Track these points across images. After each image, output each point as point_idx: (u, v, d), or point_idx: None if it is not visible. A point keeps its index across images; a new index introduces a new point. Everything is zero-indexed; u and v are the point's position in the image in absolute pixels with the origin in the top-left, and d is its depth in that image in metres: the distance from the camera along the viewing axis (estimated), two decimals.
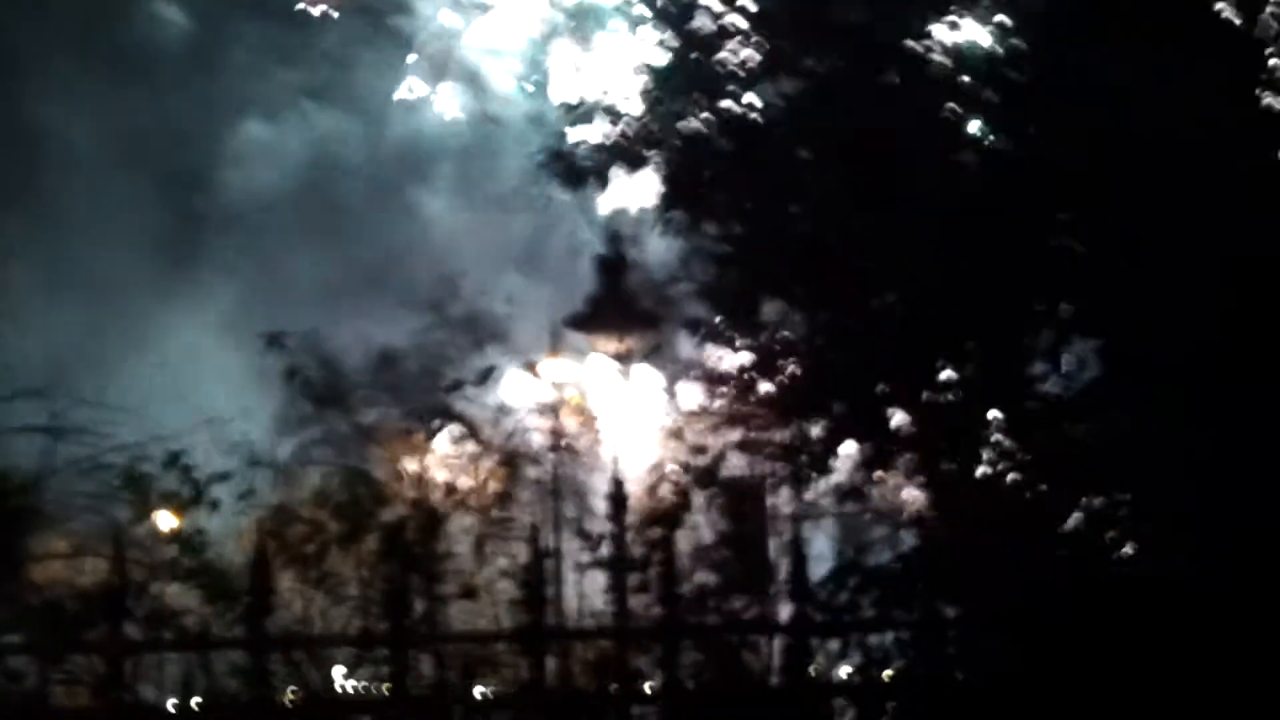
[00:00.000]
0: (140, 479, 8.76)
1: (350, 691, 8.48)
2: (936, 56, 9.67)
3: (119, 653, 8.03)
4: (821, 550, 9.55)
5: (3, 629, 8.64)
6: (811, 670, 8.26)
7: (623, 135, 10.27)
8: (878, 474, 9.31)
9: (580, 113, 10.39)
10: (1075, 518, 9.23)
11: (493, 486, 9.48)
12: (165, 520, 11.07)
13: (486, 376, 10.49)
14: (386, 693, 8.19)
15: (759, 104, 10.04)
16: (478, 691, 8.28)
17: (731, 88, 10.08)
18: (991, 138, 9.51)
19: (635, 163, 10.13)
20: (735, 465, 9.60)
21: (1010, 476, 9.18)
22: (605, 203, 12.22)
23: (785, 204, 9.84)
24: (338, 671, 8.69)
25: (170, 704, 9.05)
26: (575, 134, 10.42)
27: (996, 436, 9.20)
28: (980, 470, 9.20)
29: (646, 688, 8.48)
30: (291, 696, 8.39)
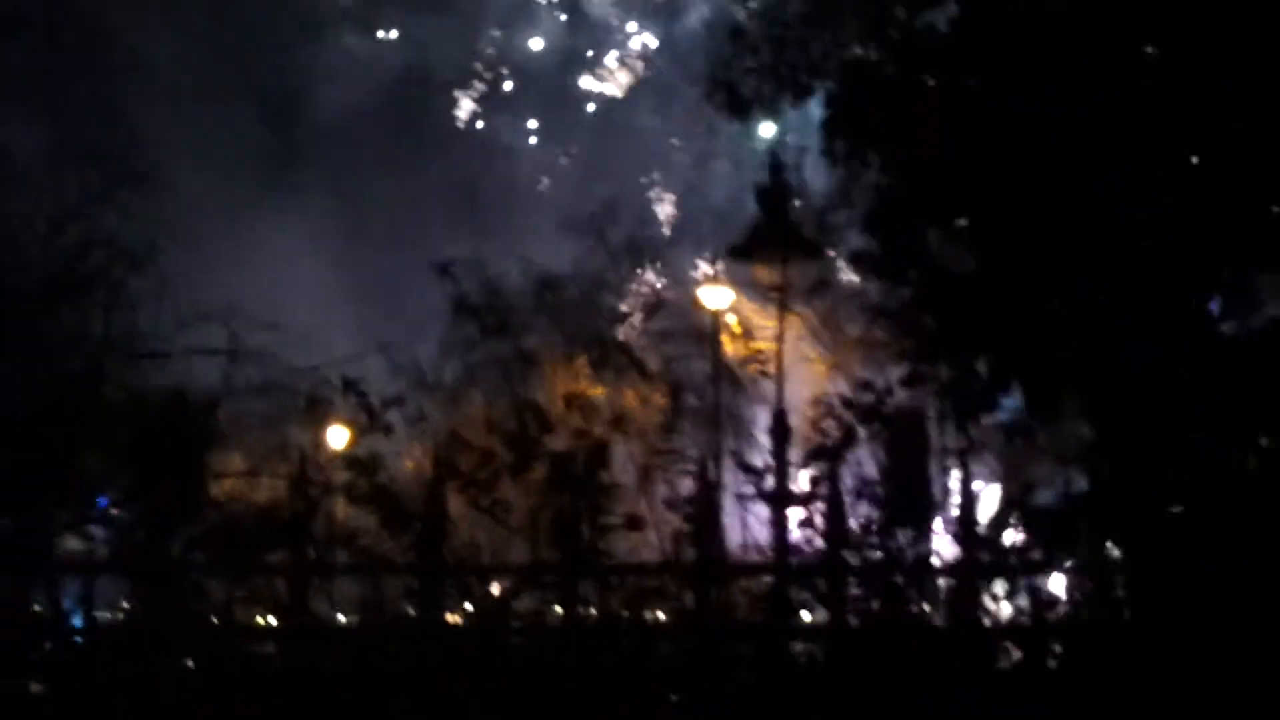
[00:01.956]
0: (318, 402, 8.98)
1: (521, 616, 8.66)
2: None
3: (302, 574, 8.29)
4: (985, 488, 9.50)
5: (187, 548, 8.94)
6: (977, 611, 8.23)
7: (788, 63, 10.19)
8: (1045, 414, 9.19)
9: (746, 41, 10.31)
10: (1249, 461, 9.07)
11: (656, 417, 9.54)
12: (339, 442, 11.38)
13: (654, 309, 10.54)
14: (557, 618, 8.36)
15: (927, 30, 9.89)
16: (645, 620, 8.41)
17: (898, 13, 9.94)
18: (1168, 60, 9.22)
19: (800, 91, 10.05)
20: (899, 399, 9.53)
21: (1183, 417, 9.01)
22: (768, 130, 12.16)
23: (952, 132, 9.68)
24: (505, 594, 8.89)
25: (343, 620, 9.35)
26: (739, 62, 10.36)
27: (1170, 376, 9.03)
28: (1151, 411, 9.04)
29: (808, 620, 8.55)
30: (463, 620, 8.60)
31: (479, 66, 40.52)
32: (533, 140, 39.90)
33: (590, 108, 40.08)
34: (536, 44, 41.01)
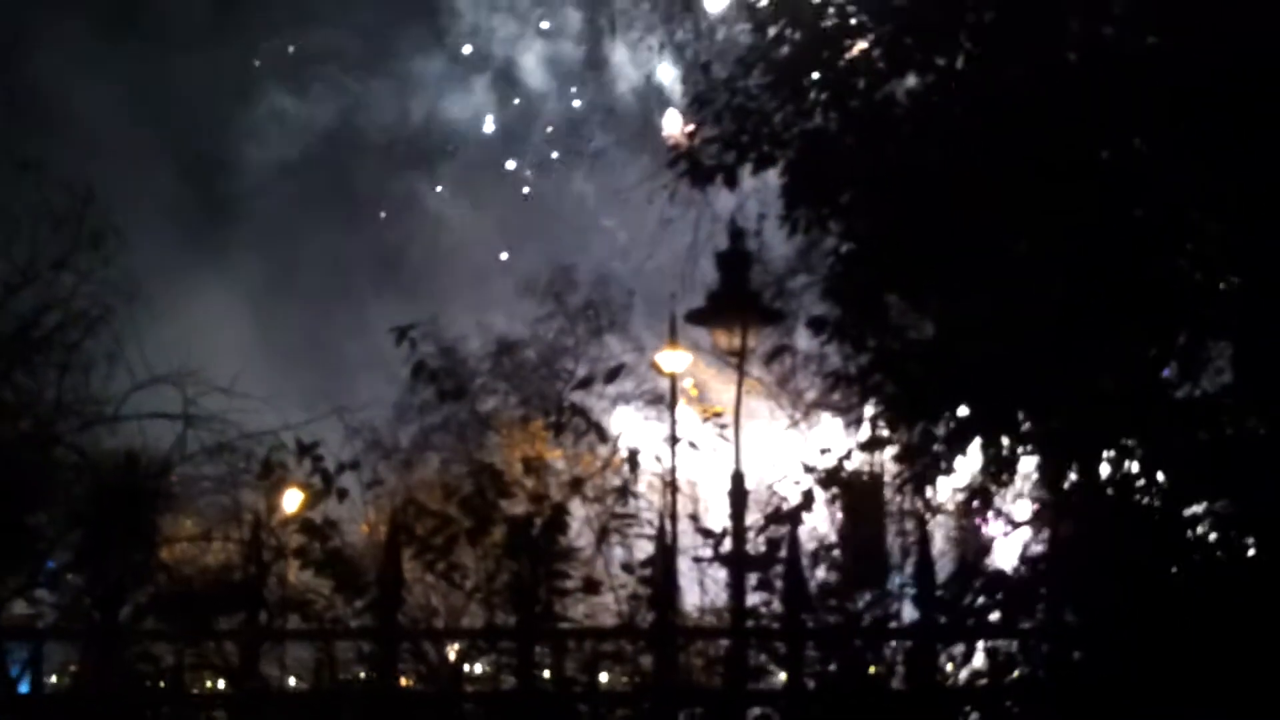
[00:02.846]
0: (273, 467, 8.91)
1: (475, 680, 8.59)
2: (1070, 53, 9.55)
3: (254, 639, 8.19)
4: (941, 550, 9.50)
5: (138, 613, 8.83)
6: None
7: (749, 132, 10.24)
8: (1004, 476, 9.22)
9: (707, 110, 10.37)
10: (1205, 524, 9.11)
11: (614, 481, 9.52)
12: (292, 506, 11.28)
13: (615, 374, 10.52)
14: (510, 684, 8.27)
15: (887, 101, 9.98)
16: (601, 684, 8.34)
17: (859, 85, 10.02)
18: (1126, 133, 9.36)
19: (762, 160, 10.10)
20: (857, 463, 9.56)
21: (1139, 481, 9.06)
22: (729, 199, 12.24)
23: (913, 202, 9.76)
24: (459, 658, 8.82)
25: (296, 687, 9.23)
26: (702, 131, 10.40)
27: (1126, 440, 9.09)
28: (1108, 474, 9.09)
29: (768, 686, 8.49)
30: (418, 686, 8.51)
31: (411, 131, 40.79)
32: (460, 204, 40.14)
33: (524, 173, 40.40)
34: (467, 109, 41.29)
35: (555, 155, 39.99)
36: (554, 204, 39.39)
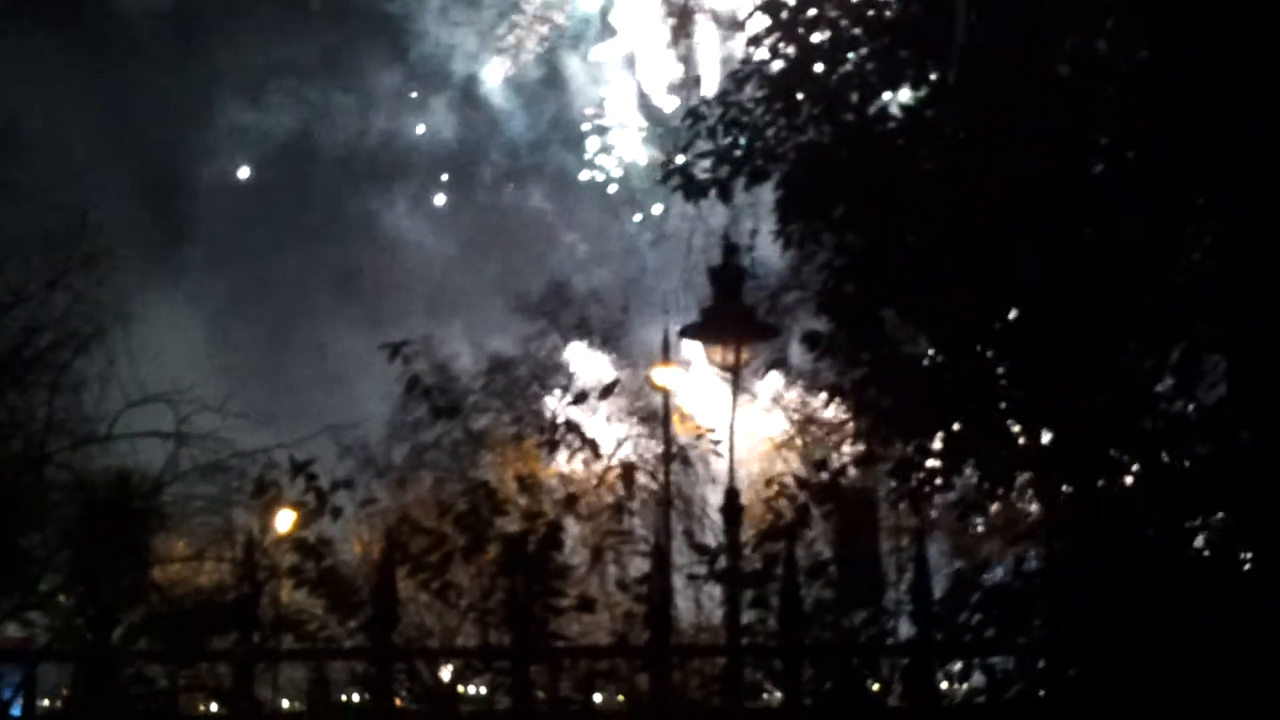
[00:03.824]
0: (266, 486, 8.85)
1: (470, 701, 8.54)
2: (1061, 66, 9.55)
3: (248, 660, 8.13)
4: (937, 565, 9.47)
5: (130, 634, 8.78)
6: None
7: (743, 147, 10.23)
8: (999, 491, 9.20)
9: (701, 125, 10.36)
10: (1200, 538, 9.09)
11: (608, 498, 9.47)
12: (285, 525, 11.23)
13: (609, 391, 10.46)
14: (506, 704, 8.22)
15: (880, 114, 9.97)
16: (596, 703, 8.29)
17: (852, 98, 10.02)
18: (1119, 147, 9.36)
19: (756, 174, 10.09)
20: (852, 479, 9.52)
21: (1134, 495, 9.04)
22: (722, 213, 12.23)
23: (906, 216, 9.74)
24: (454, 678, 8.77)
25: (289, 708, 9.17)
26: (695, 146, 10.39)
27: (1121, 455, 9.07)
28: (1103, 488, 9.06)
29: (763, 704, 8.45)
30: (412, 705, 8.46)
31: (372, 146, 40.82)
32: (420, 219, 40.17)
33: (486, 188, 40.45)
34: (426, 127, 41.29)
35: (515, 171, 40.12)
36: (514, 219, 39.44)
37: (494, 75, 40.81)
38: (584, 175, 39.20)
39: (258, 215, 38.35)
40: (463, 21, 40.97)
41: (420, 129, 41.20)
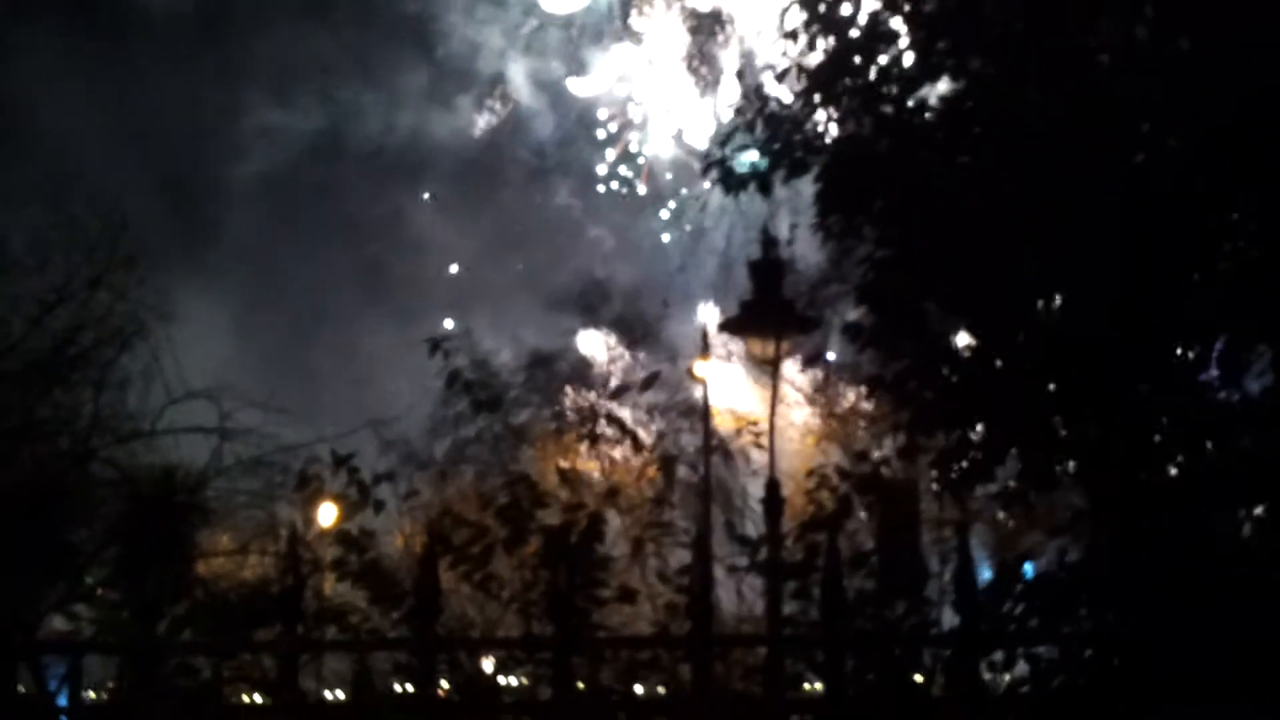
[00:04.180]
0: (309, 480, 8.92)
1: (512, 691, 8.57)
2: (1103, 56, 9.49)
3: (292, 652, 8.19)
4: (977, 557, 9.43)
5: (175, 626, 8.85)
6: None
7: (782, 140, 10.22)
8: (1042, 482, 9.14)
9: (741, 119, 10.35)
10: (1247, 528, 9.02)
11: (648, 490, 9.49)
12: (328, 519, 11.31)
13: (650, 383, 10.48)
14: (548, 694, 8.25)
15: (919, 106, 9.94)
16: (638, 693, 8.31)
17: (891, 91, 9.98)
18: (1161, 135, 9.29)
19: (795, 167, 10.07)
20: (894, 469, 9.50)
21: (1179, 486, 8.97)
22: (763, 207, 12.22)
23: (946, 208, 9.70)
24: (496, 668, 8.80)
25: (332, 698, 9.23)
26: (735, 139, 10.38)
27: (1165, 446, 9.00)
28: (1147, 479, 9.00)
29: (805, 694, 8.44)
30: (455, 696, 8.50)
31: (398, 144, 40.90)
32: (447, 216, 40.21)
33: (512, 185, 40.52)
34: (452, 124, 41.34)
35: (541, 167, 40.12)
36: (540, 215, 39.47)
37: (519, 73, 40.92)
38: (604, 185, 39.21)
39: (284, 214, 38.54)
40: (489, 20, 41.09)
41: (446, 127, 41.32)
